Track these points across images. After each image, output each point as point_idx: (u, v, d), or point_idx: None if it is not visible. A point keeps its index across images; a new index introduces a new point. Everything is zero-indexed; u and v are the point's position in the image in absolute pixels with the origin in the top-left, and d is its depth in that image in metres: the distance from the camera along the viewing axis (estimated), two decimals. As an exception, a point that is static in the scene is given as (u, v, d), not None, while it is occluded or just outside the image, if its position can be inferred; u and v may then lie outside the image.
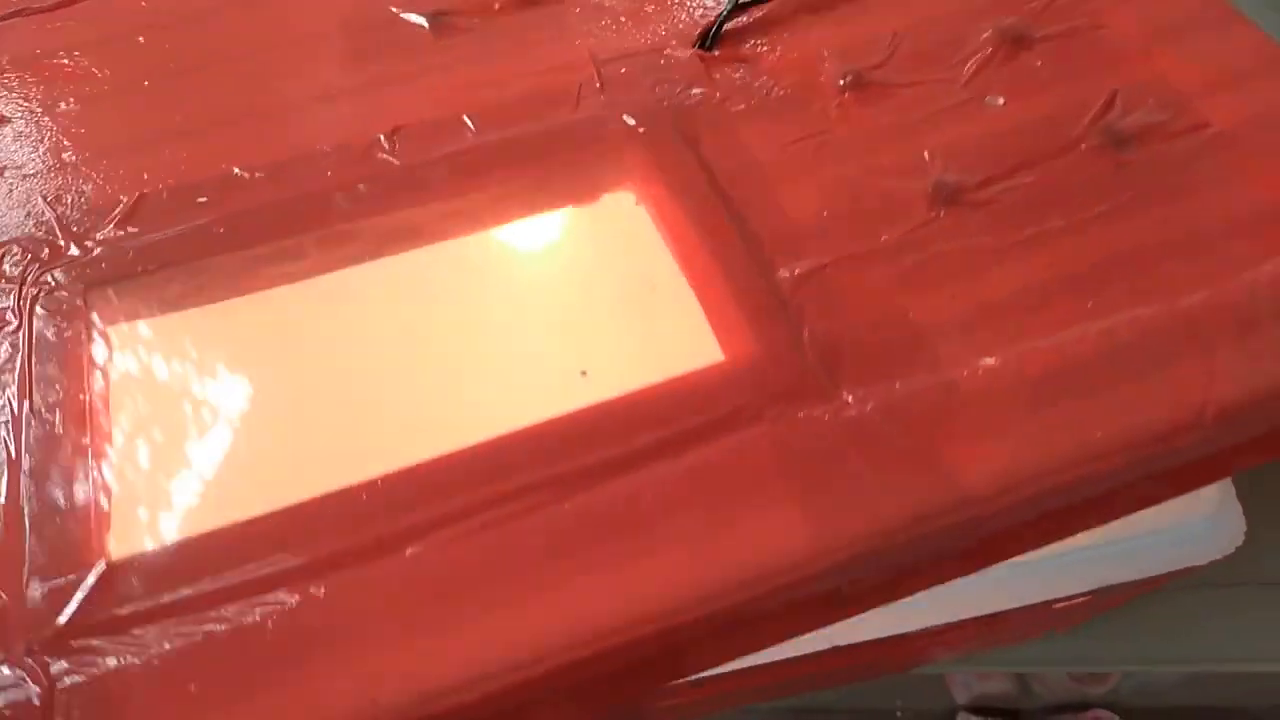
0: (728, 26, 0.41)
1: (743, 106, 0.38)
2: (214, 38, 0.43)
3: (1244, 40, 0.38)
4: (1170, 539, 0.39)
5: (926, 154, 0.36)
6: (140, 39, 0.43)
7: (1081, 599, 0.41)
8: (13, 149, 0.40)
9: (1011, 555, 0.30)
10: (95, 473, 0.31)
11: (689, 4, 0.42)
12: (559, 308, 0.34)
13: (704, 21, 0.41)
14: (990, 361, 0.31)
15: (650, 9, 0.42)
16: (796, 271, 0.33)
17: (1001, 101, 0.37)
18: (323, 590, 0.27)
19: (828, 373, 0.31)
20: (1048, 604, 0.41)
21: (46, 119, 0.41)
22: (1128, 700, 0.60)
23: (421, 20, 0.42)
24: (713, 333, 0.32)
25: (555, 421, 0.30)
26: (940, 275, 0.33)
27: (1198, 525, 0.39)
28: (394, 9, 0.43)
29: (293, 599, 0.27)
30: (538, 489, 0.29)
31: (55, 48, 0.43)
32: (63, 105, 0.41)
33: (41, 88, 0.42)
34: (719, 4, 0.42)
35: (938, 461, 0.29)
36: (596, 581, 0.27)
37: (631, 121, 0.38)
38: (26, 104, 0.41)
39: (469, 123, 0.39)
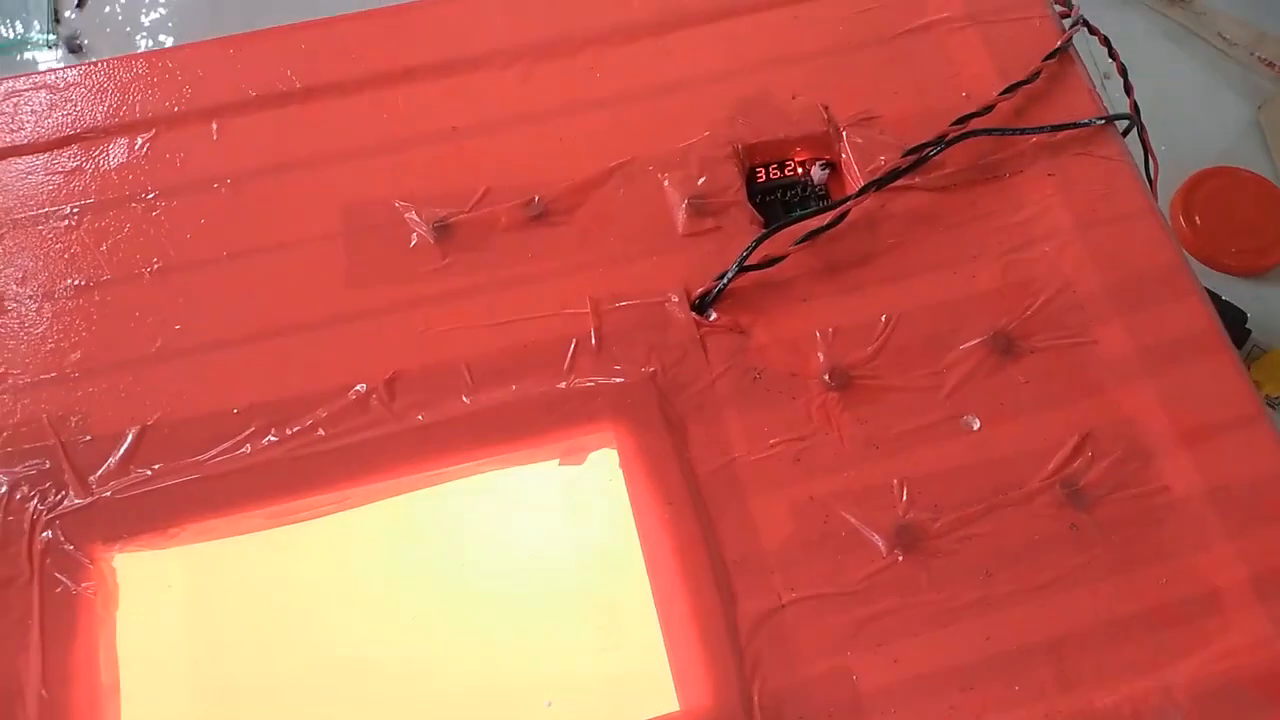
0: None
1: (730, 390, 0.39)
2: (210, 226, 0.42)
3: (1227, 383, 0.39)
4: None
5: (895, 483, 0.38)
6: (136, 206, 0.43)
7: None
8: (13, 345, 0.40)
9: None
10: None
11: (691, 246, 0.42)
12: (532, 632, 0.36)
13: (705, 259, 0.41)
14: (917, 744, 0.34)
15: (654, 240, 0.42)
16: (758, 610, 0.36)
17: (977, 425, 0.39)
18: None
19: (770, 739, 0.34)
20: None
21: (48, 308, 0.41)
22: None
23: (425, 228, 0.42)
24: (672, 677, 0.35)
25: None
26: (888, 633, 0.36)
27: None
28: (398, 204, 0.43)
29: None
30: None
31: (53, 205, 0.43)
32: (62, 286, 0.42)
33: (43, 262, 0.42)
34: (719, 244, 0.42)
35: None
36: None
37: (622, 396, 0.39)
38: (23, 286, 0.41)
39: (466, 374, 0.40)
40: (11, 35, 0.81)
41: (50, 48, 0.80)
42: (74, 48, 0.79)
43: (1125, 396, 0.39)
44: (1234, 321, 0.70)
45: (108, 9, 0.79)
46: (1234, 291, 0.76)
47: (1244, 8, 0.87)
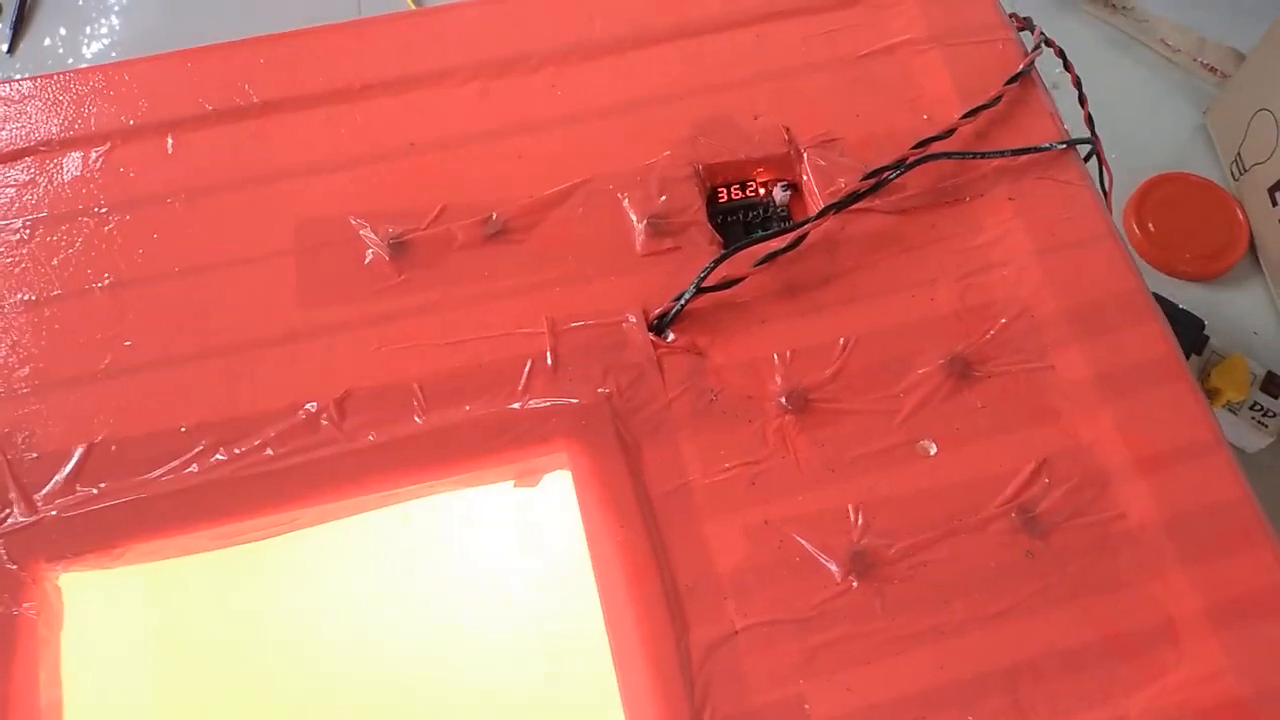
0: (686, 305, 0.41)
1: (686, 412, 0.39)
2: (163, 241, 0.42)
3: (1185, 410, 0.39)
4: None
5: (851, 508, 0.37)
6: (89, 220, 0.42)
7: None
8: (-37, 363, 0.40)
9: None
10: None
11: (649, 266, 0.42)
12: (481, 656, 0.36)
13: (663, 280, 0.41)
14: (867, 774, 0.34)
15: (612, 260, 0.42)
16: (710, 636, 0.35)
17: (934, 450, 0.38)
18: None
19: (719, 769, 0.34)
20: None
21: (-4, 324, 0.41)
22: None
23: (381, 246, 0.42)
24: (622, 704, 0.35)
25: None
26: (841, 661, 0.35)
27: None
28: (354, 221, 0.42)
29: None
30: None
31: (4, 219, 0.42)
32: (12, 301, 0.41)
33: (-8, 276, 0.41)
34: (678, 264, 0.42)
35: None
36: None
37: (577, 418, 0.39)
38: (-24, 300, 0.41)
39: (419, 393, 0.39)
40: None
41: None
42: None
43: (1082, 423, 0.39)
44: (1192, 329, 0.70)
45: (47, 41, 0.78)
46: (1190, 297, 0.76)
47: (1184, 13, 0.88)
